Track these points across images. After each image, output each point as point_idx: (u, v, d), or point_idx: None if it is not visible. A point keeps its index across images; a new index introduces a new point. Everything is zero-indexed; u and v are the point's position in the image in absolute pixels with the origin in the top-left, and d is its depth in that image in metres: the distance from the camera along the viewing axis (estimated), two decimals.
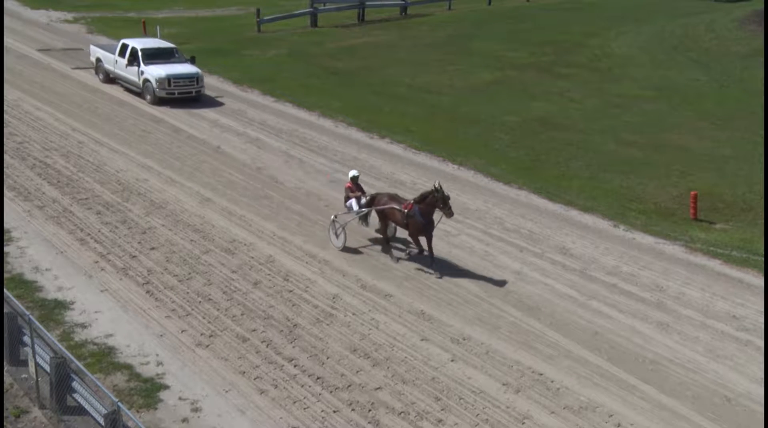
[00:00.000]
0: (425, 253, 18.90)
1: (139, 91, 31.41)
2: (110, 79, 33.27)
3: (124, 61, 31.81)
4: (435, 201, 18.13)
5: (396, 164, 25.69)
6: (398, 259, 19.16)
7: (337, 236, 19.65)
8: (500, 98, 33.66)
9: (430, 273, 18.47)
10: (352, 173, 20.63)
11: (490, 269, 18.95)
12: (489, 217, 21.89)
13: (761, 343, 16.08)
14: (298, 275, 18.33)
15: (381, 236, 19.78)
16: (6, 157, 24.57)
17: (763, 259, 19.49)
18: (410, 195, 20.10)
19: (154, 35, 41.50)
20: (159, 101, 30.71)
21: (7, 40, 39.29)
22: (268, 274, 18.33)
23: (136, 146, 26.21)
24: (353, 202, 19.93)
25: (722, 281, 18.76)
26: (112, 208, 21.46)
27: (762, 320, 16.98)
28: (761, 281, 18.61)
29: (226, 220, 21.06)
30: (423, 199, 18.35)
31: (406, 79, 36.31)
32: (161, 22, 43.58)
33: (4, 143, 25.62)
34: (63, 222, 20.54)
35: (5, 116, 28.19)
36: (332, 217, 19.91)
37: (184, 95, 31.01)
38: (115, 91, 32.54)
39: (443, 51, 41.69)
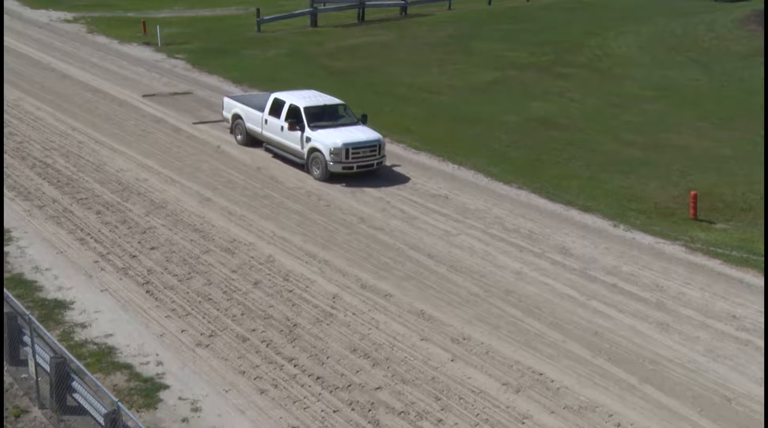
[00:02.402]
0: None
1: (301, 162, 24.41)
2: (252, 140, 26.29)
3: (280, 122, 24.75)
4: None
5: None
6: None
7: None
8: (500, 98, 33.66)
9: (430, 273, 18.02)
10: None
11: (490, 269, 18.95)
12: (489, 217, 21.88)
13: (761, 343, 16.08)
14: (298, 275, 18.32)
15: None
16: (6, 157, 24.57)
17: (763, 259, 19.48)
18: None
19: (155, 35, 41.61)
20: (330, 177, 23.75)
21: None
22: (268, 274, 18.33)
23: (136, 146, 26.20)
24: None
25: (722, 281, 18.75)
26: (112, 208, 21.46)
27: (762, 320, 16.97)
28: (761, 281, 18.61)
29: (226, 220, 21.05)
30: None
31: (406, 79, 36.31)
32: (161, 22, 43.63)
33: (4, 143, 25.63)
34: (63, 222, 20.54)
35: (5, 116, 28.19)
36: None
37: (364, 170, 23.95)
38: (115, 91, 32.54)
39: (443, 51, 41.69)
